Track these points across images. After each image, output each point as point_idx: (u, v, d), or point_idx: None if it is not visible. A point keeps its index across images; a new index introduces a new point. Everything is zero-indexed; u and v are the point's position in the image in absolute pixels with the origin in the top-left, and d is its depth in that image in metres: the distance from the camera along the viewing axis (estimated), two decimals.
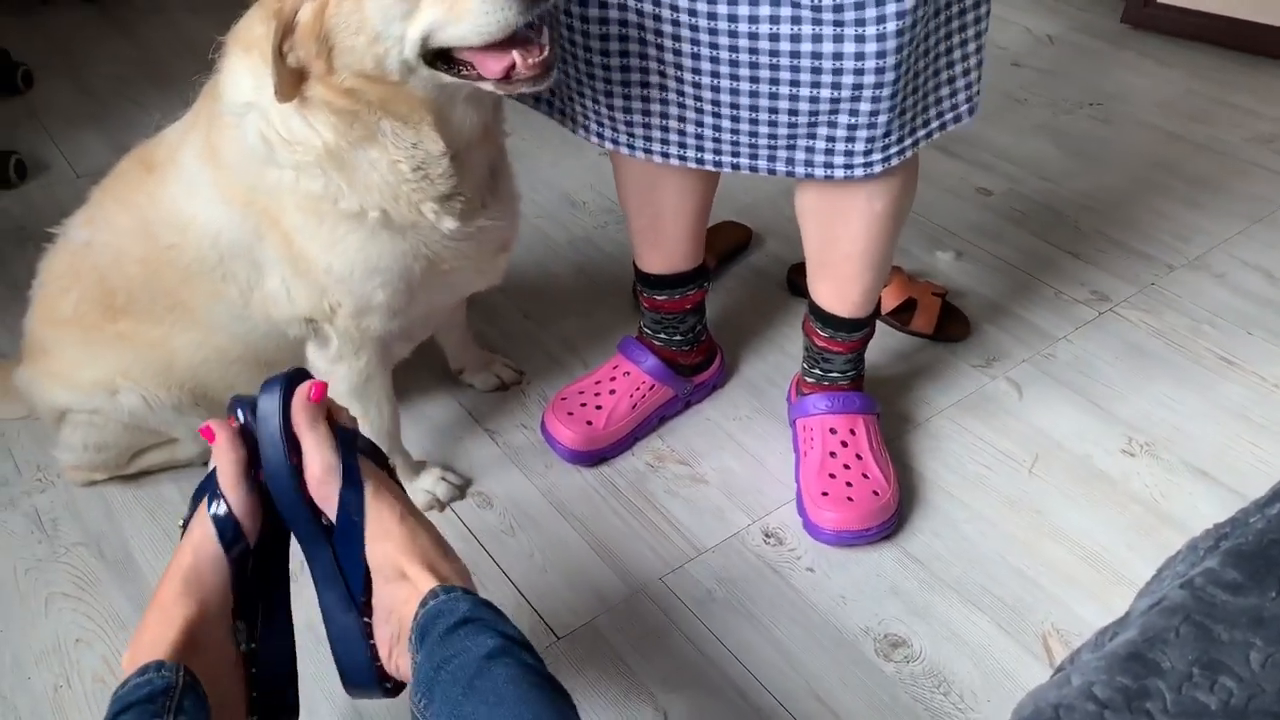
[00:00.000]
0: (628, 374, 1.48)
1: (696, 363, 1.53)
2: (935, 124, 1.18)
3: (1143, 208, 1.99)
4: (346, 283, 1.15)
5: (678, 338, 1.49)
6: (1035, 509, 1.39)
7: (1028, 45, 2.59)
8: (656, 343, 1.49)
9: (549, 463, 1.46)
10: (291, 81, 1.02)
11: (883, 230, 1.25)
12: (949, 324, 1.67)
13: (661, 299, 1.45)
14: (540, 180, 2.07)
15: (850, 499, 1.32)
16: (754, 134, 1.13)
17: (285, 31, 0.99)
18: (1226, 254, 1.87)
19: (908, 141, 1.15)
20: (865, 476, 1.34)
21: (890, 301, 1.66)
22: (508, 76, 1.01)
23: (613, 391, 1.47)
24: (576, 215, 1.99)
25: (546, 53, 1.01)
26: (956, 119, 1.20)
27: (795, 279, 1.78)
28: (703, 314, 1.51)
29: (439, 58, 1.02)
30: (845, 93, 1.06)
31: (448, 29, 0.98)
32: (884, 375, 1.59)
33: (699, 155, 1.18)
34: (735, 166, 1.18)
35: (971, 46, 1.16)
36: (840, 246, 1.28)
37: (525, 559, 1.33)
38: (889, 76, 1.05)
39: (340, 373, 1.25)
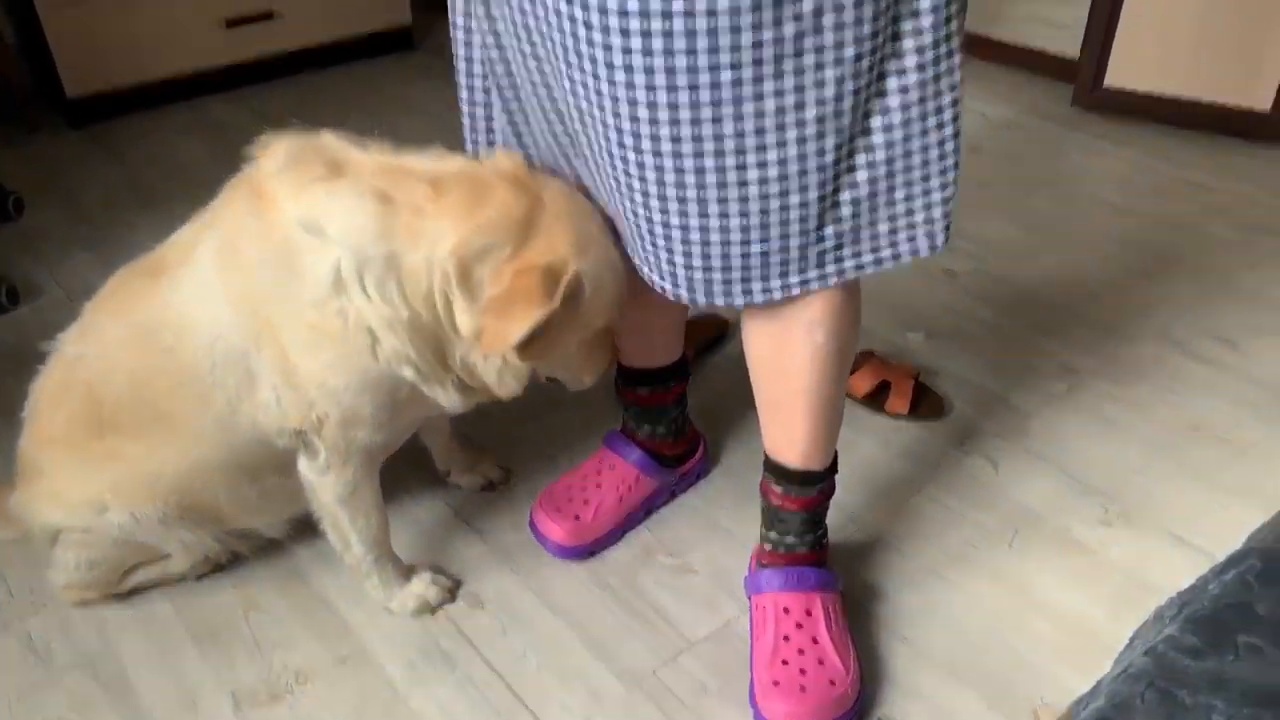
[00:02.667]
0: (613, 468, 1.51)
1: (680, 453, 1.56)
2: (868, 259, 1.11)
3: (1105, 282, 2.06)
4: (336, 397, 1.19)
5: (661, 430, 1.52)
6: (1019, 583, 1.41)
7: (985, 130, 2.70)
8: (640, 435, 1.53)
9: (540, 560, 1.48)
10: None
11: (827, 365, 1.19)
12: (924, 404, 1.71)
13: (644, 393, 1.49)
14: None
15: (804, 688, 1.21)
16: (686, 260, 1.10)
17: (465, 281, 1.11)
18: (1187, 323, 1.93)
19: (809, 275, 1.10)
20: (821, 663, 1.24)
21: (865, 385, 1.71)
22: None
23: (599, 485, 1.50)
24: None
25: None
26: (911, 253, 1.12)
27: None
28: (685, 405, 1.55)
29: None
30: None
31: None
32: (864, 458, 1.62)
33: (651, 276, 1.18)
34: (677, 297, 1.14)
35: (933, 182, 1.07)
36: (788, 383, 1.22)
37: (518, 660, 1.34)
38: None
39: (328, 483, 1.28)
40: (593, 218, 1.17)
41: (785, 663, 1.24)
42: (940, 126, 1.04)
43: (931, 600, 1.39)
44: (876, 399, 1.71)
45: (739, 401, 1.77)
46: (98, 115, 2.95)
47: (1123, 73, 2.66)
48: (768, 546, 1.34)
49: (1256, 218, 2.29)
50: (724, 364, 1.89)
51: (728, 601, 1.41)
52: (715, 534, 1.52)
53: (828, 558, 1.36)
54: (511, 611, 1.41)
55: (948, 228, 1.10)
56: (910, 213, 1.08)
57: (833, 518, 1.36)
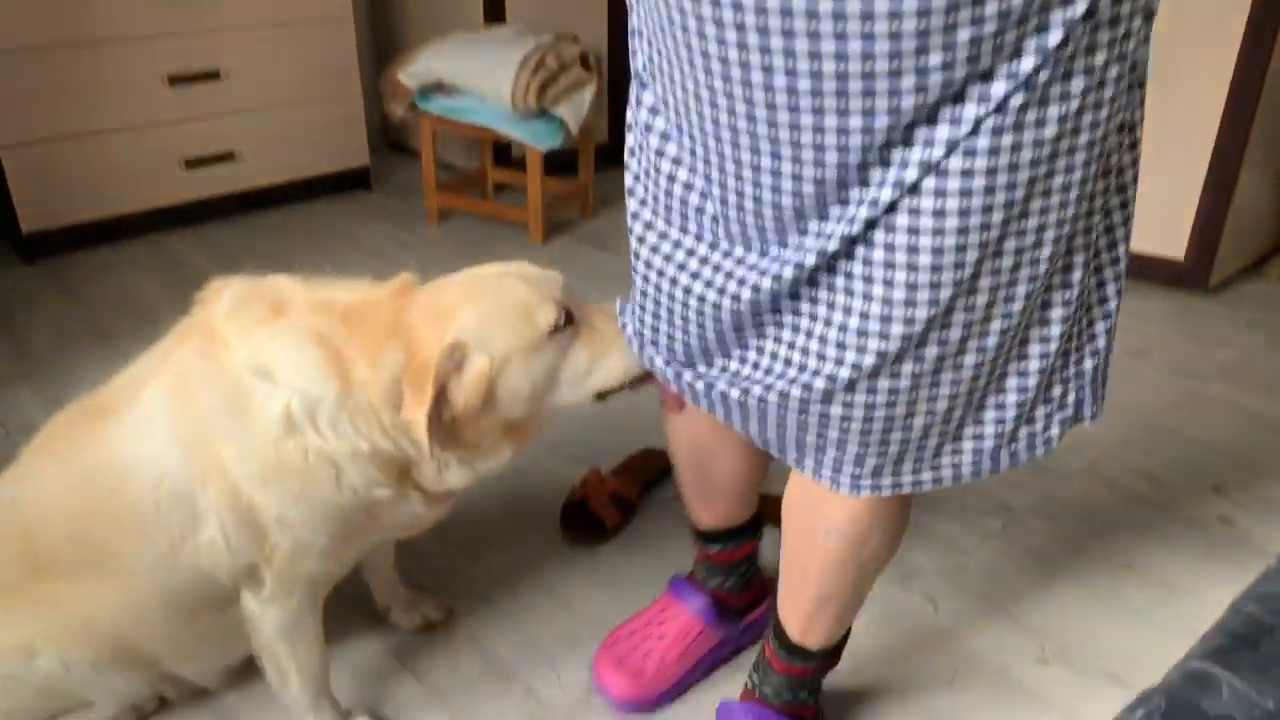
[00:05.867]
0: (677, 617, 1.48)
1: (746, 604, 1.53)
2: (928, 477, 1.07)
3: None
4: (292, 529, 1.19)
5: (729, 583, 1.50)
6: None
7: None
8: (708, 586, 1.50)
9: (476, 701, 1.46)
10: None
11: (839, 570, 1.17)
12: None
13: (715, 551, 1.47)
14: None
15: None
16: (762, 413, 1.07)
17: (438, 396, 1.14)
18: (1116, 461, 2.00)
19: (885, 481, 1.06)
20: None
21: None
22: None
23: (662, 637, 1.47)
24: None
25: None
26: (974, 474, 1.07)
27: None
28: (755, 558, 1.53)
29: None
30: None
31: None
32: None
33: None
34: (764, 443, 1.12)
35: (1022, 387, 1.02)
36: (800, 568, 1.21)
37: None
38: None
39: (271, 614, 1.26)
40: (473, 285, 1.22)
41: None
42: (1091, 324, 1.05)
43: None
44: None
45: (682, 537, 1.79)
46: (52, 250, 2.98)
47: None
48: (749, 684, 1.34)
49: (1174, 360, 2.40)
50: (671, 499, 1.90)
51: None
52: None
53: (810, 716, 1.33)
54: None
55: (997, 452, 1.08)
56: (1032, 420, 1.06)
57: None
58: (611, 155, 3.86)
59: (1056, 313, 0.98)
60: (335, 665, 1.45)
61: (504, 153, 3.54)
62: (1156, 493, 1.91)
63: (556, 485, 1.91)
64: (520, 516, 1.86)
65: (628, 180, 1.11)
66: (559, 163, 3.40)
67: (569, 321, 1.21)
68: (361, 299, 1.22)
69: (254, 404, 1.15)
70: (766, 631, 1.33)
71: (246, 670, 1.40)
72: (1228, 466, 1.99)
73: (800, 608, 1.24)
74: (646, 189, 1.07)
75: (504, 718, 1.43)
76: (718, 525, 1.45)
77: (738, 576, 1.50)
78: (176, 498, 1.18)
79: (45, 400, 2.24)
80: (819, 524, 1.14)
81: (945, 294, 0.90)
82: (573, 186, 3.34)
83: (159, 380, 1.21)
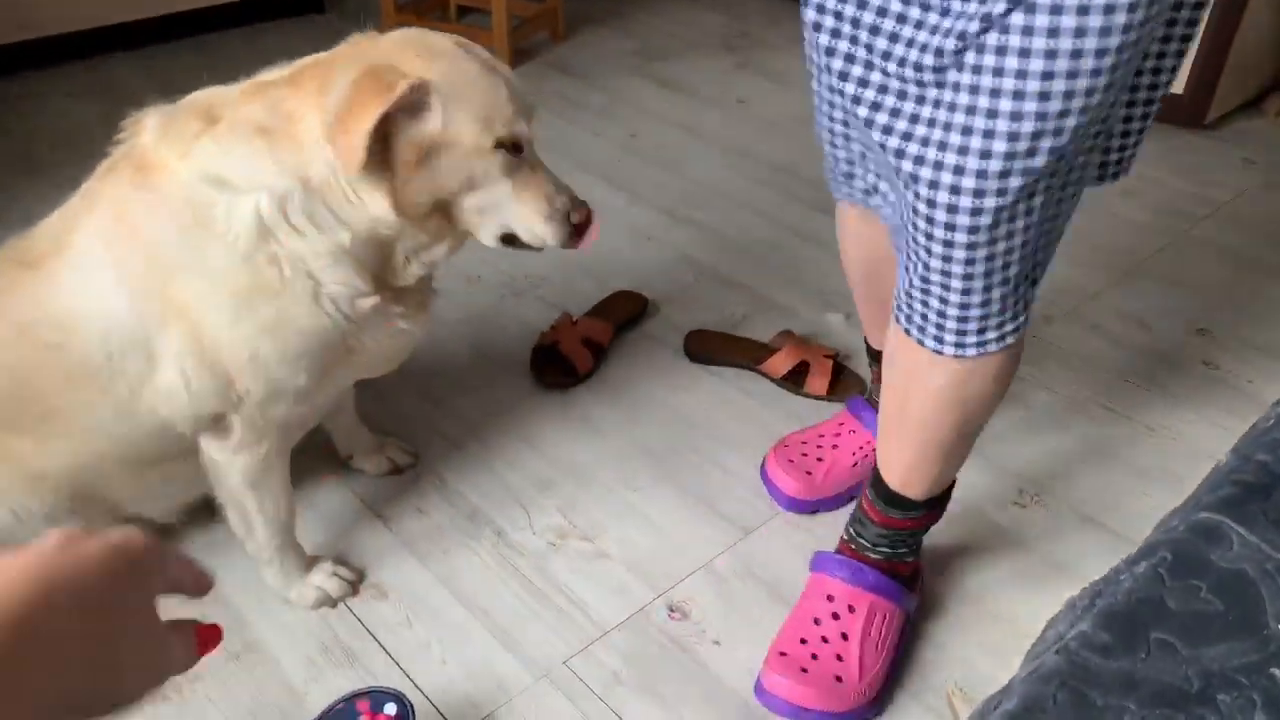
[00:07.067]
0: (853, 432, 1.50)
1: None
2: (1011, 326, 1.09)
3: None
4: (266, 369, 1.11)
5: None
6: (936, 567, 1.40)
7: None
8: None
9: (445, 547, 1.43)
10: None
11: (946, 410, 1.12)
12: (842, 384, 1.69)
13: None
14: None
15: (805, 670, 1.19)
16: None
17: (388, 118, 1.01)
18: (1099, 305, 1.95)
19: (990, 335, 1.07)
20: (839, 658, 1.20)
21: (785, 365, 1.68)
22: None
23: (835, 446, 1.49)
24: (472, 292, 1.98)
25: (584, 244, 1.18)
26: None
27: (690, 346, 1.79)
28: None
29: None
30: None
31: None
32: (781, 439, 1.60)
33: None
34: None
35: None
36: (905, 411, 1.15)
37: (423, 651, 1.28)
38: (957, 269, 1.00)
39: (239, 463, 1.20)
40: (460, 50, 1.10)
41: (803, 641, 1.23)
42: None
43: None
44: (796, 379, 1.69)
45: (657, 381, 1.74)
46: None
47: None
48: (845, 537, 1.30)
49: (1165, 200, 2.33)
50: (642, 341, 1.84)
51: (641, 587, 1.37)
52: (630, 517, 1.48)
53: (907, 574, 1.28)
54: (416, 601, 1.35)
55: None
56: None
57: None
58: None
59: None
60: (300, 512, 1.41)
61: None
62: (1140, 336, 1.87)
63: (526, 330, 1.84)
64: (489, 361, 1.80)
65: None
66: None
67: (518, 151, 1.11)
68: (308, 61, 1.10)
69: (215, 219, 1.05)
70: (865, 480, 1.28)
71: (208, 512, 1.36)
72: (1213, 309, 1.95)
73: (902, 454, 1.18)
74: None
75: (473, 562, 1.41)
76: None
77: None
78: (130, 344, 1.10)
79: None
80: (935, 372, 1.09)
81: (1108, 61, 0.85)
82: (541, 9, 3.13)
83: (91, 222, 1.10)
